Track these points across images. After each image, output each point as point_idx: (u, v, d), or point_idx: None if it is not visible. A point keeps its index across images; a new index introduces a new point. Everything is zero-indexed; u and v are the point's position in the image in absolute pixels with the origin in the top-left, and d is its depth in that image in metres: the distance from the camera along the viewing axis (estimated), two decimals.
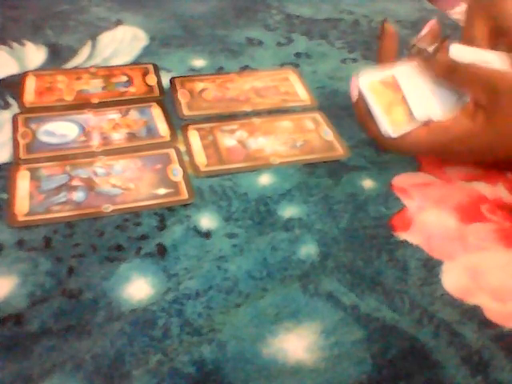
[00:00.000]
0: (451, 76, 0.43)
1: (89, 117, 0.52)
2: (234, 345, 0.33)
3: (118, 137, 0.49)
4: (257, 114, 0.54)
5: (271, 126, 0.52)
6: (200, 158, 0.48)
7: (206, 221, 0.42)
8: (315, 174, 0.47)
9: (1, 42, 0.64)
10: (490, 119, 0.41)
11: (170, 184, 0.45)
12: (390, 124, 0.44)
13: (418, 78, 0.45)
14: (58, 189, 0.43)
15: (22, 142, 0.48)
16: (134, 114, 0.52)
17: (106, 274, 0.37)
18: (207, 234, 0.41)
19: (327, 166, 0.48)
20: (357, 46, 0.66)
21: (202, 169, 0.46)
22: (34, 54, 0.62)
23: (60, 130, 0.50)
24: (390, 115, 0.44)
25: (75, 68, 0.60)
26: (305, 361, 0.33)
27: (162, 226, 0.41)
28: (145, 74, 0.59)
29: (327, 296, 0.37)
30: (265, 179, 0.46)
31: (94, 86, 0.56)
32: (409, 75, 0.45)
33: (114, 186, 0.44)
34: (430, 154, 0.47)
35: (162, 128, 0.51)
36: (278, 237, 0.41)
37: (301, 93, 0.57)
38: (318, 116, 0.54)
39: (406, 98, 0.44)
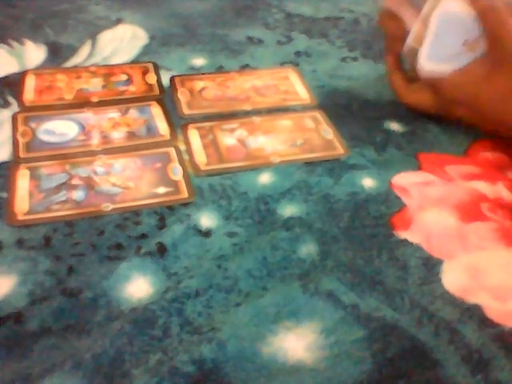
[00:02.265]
0: (486, 17, 0.45)
1: (88, 116, 0.52)
2: (233, 344, 0.33)
3: (118, 136, 0.49)
4: (257, 112, 0.54)
5: (271, 124, 0.52)
6: (200, 156, 0.48)
7: (206, 220, 0.42)
8: (315, 173, 0.47)
9: (0, 40, 0.64)
10: (488, 75, 0.45)
11: (170, 183, 0.45)
12: (413, 36, 0.49)
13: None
14: (58, 188, 0.43)
15: (21, 140, 0.48)
16: (133, 113, 0.52)
17: (105, 273, 0.37)
18: (207, 233, 0.41)
19: (327, 164, 0.48)
20: (357, 45, 0.66)
21: (202, 168, 0.46)
22: (34, 53, 0.62)
23: (60, 129, 0.50)
24: (420, 32, 0.49)
25: (75, 67, 0.60)
26: (305, 360, 0.33)
27: (161, 225, 0.41)
28: (145, 72, 0.59)
29: (327, 295, 0.36)
30: (265, 178, 0.46)
31: (93, 85, 0.56)
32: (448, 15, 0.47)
33: (113, 184, 0.44)
34: (433, 111, 0.51)
35: (162, 127, 0.51)
36: (278, 236, 0.41)
37: (301, 91, 0.57)
38: (318, 115, 0.54)
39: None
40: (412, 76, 0.52)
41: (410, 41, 0.50)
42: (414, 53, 0.50)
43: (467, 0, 0.46)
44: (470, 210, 0.43)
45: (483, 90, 0.46)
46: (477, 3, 0.46)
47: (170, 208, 0.43)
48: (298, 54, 0.64)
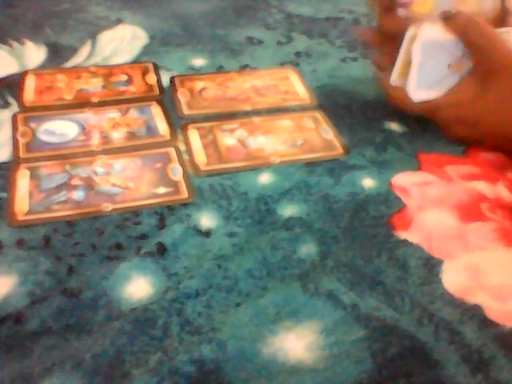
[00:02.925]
0: (466, 33, 0.46)
1: (89, 116, 0.52)
2: (233, 344, 0.33)
3: (118, 136, 0.49)
4: (257, 112, 0.54)
5: (271, 124, 0.52)
6: (200, 157, 0.48)
7: (206, 220, 0.42)
8: (315, 173, 0.47)
9: (1, 41, 0.64)
10: (479, 93, 0.46)
11: (170, 183, 0.45)
12: (397, 71, 0.49)
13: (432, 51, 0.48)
14: (58, 188, 0.43)
15: (21, 141, 0.48)
16: (133, 113, 0.52)
17: (105, 273, 0.37)
18: (207, 233, 0.41)
19: (327, 164, 0.48)
20: (357, 45, 0.66)
21: (202, 168, 0.46)
22: (34, 53, 0.62)
23: (60, 129, 0.50)
24: (404, 66, 0.49)
25: (75, 67, 0.60)
26: (305, 360, 0.33)
27: (161, 225, 0.41)
28: (145, 72, 0.59)
29: (327, 295, 0.36)
30: (265, 178, 0.46)
31: (93, 85, 0.56)
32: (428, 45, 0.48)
33: (113, 185, 0.44)
34: (421, 112, 0.50)
35: (162, 127, 0.51)
36: (278, 236, 0.41)
37: (301, 92, 0.57)
38: (317, 115, 0.54)
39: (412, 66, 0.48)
40: None
41: (394, 77, 0.50)
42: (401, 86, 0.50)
43: (444, 22, 0.47)
44: (470, 210, 0.43)
45: (477, 104, 0.46)
46: (455, 22, 0.46)
47: (170, 208, 0.43)
48: (297, 54, 0.64)
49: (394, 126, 0.53)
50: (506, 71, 0.45)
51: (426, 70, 0.48)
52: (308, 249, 0.40)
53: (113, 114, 0.52)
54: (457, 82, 0.48)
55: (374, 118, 0.54)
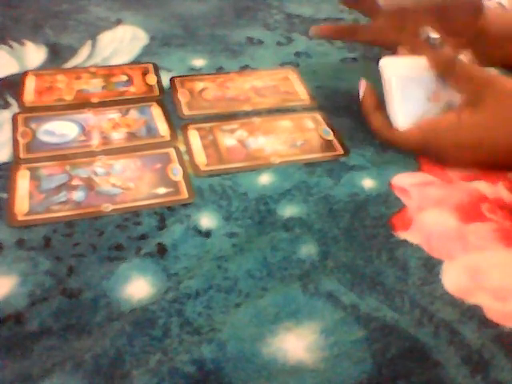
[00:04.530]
0: (448, 71, 0.47)
1: (89, 116, 0.52)
2: (233, 344, 0.33)
3: (118, 136, 0.49)
4: (257, 113, 0.54)
5: (271, 125, 0.52)
6: (200, 157, 0.48)
7: (206, 220, 0.42)
8: (315, 174, 0.47)
9: (1, 41, 0.64)
10: (475, 114, 0.45)
11: (170, 183, 0.45)
12: (402, 114, 0.48)
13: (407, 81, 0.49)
14: (58, 188, 0.43)
15: (21, 141, 0.48)
16: (133, 114, 0.52)
17: (105, 274, 0.37)
18: (207, 234, 0.41)
19: (327, 165, 0.48)
20: (357, 46, 0.66)
21: (202, 168, 0.46)
22: (34, 54, 0.62)
23: (60, 130, 0.50)
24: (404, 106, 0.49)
25: (75, 67, 0.60)
26: (305, 360, 0.33)
27: (161, 226, 0.41)
28: (145, 73, 0.59)
29: (327, 295, 0.37)
30: (265, 179, 0.46)
31: (93, 86, 0.56)
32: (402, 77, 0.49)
33: (113, 185, 0.44)
34: (421, 150, 0.48)
35: (162, 127, 0.51)
36: (277, 236, 0.41)
37: (301, 92, 0.57)
38: (317, 115, 0.54)
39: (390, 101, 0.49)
40: None
41: (399, 123, 0.49)
42: None
43: (428, 61, 0.48)
44: (470, 211, 0.43)
45: (475, 126, 0.45)
46: (437, 60, 0.48)
47: (170, 208, 0.43)
48: (297, 54, 0.64)
49: None
50: (492, 92, 0.45)
51: (408, 104, 0.48)
52: (308, 249, 0.40)
53: (113, 114, 0.52)
54: (441, 111, 0.48)
55: None
